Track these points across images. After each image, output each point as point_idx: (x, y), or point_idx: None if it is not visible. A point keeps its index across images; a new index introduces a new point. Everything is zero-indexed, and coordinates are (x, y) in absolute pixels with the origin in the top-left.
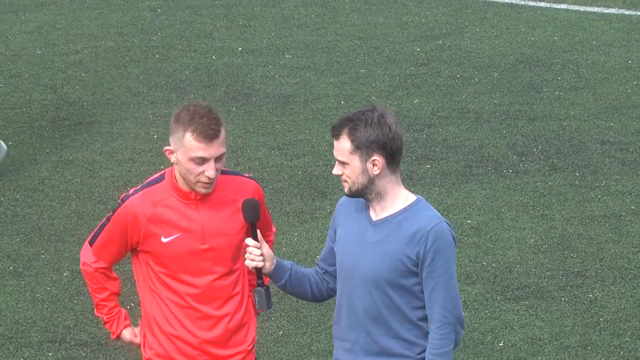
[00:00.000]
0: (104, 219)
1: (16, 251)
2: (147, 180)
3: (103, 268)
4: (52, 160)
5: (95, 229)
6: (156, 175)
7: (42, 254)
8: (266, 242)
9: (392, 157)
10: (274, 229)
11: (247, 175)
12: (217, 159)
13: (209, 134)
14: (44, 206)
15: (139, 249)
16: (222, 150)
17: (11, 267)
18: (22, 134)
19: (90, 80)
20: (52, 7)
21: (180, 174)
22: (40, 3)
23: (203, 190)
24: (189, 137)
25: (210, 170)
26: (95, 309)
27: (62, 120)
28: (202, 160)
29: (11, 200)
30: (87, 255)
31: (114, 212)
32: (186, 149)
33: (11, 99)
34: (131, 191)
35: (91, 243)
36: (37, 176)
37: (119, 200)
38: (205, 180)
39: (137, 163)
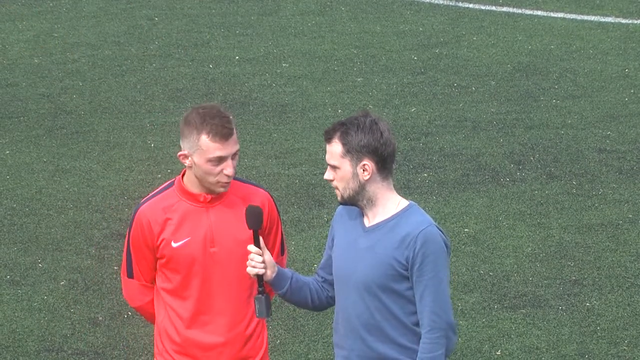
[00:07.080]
0: (124, 248)
1: (13, 260)
2: (157, 189)
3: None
4: (49, 169)
5: (123, 263)
6: (166, 183)
7: (39, 262)
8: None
9: (383, 163)
10: (285, 255)
11: (257, 184)
12: (233, 156)
13: (224, 134)
14: (41, 215)
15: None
16: (237, 147)
17: (8, 276)
18: (19, 143)
19: (87, 89)
20: (49, 16)
21: (197, 177)
22: (37, 12)
23: (222, 189)
24: (204, 139)
25: (229, 168)
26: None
27: (59, 129)
28: (220, 160)
29: (8, 209)
30: (127, 288)
31: (129, 230)
32: (203, 150)
33: (8, 107)
34: (141, 202)
35: (129, 275)
36: (34, 185)
37: (132, 215)
38: (224, 179)
39: (135, 172)
